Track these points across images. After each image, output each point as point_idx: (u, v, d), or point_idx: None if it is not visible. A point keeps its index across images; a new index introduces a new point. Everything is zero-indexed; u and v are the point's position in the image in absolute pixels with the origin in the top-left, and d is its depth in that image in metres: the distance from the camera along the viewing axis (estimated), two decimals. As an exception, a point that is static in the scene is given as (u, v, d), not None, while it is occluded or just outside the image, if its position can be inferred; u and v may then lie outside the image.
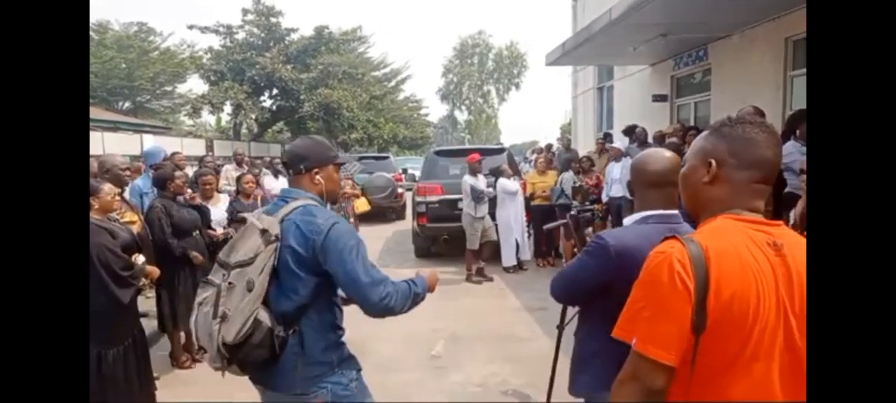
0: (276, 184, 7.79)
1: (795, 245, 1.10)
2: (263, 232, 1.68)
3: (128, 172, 4.26)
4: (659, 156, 1.69)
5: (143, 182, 5.44)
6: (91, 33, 23.37)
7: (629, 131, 7.98)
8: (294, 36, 22.12)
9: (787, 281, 1.07)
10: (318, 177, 1.83)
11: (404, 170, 15.01)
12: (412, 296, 1.76)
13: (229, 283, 1.64)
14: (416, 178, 9.76)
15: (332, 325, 1.80)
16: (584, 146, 12.19)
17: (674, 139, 6.74)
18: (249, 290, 1.63)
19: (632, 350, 1.08)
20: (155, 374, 3.92)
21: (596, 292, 1.60)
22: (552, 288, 1.80)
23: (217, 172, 7.52)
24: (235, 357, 1.65)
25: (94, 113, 15.02)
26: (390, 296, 1.68)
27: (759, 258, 1.06)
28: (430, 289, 1.86)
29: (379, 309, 1.68)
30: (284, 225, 1.72)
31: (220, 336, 1.62)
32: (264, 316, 1.66)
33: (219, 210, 4.82)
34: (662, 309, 1.05)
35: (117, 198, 3.54)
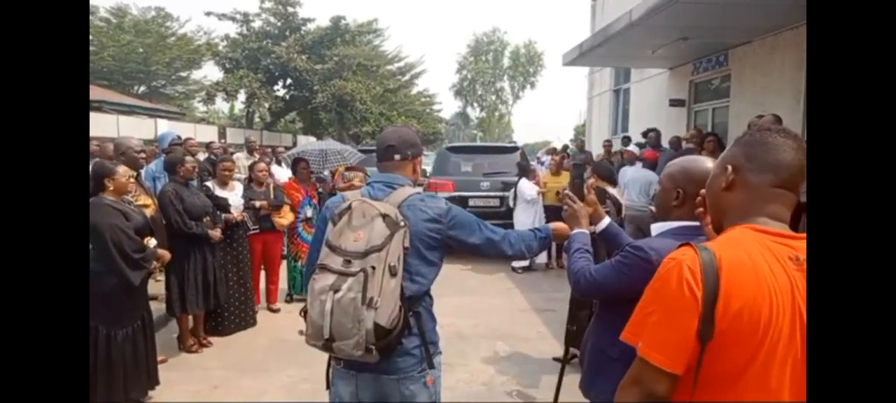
0: (278, 172, 7.81)
1: None
2: (385, 216, 1.69)
3: (143, 155, 4.28)
4: None
5: (156, 166, 5.47)
6: (109, 16, 23.60)
7: (647, 134, 7.94)
8: (310, 26, 22.15)
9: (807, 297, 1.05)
10: (418, 165, 1.98)
11: (415, 166, 14.95)
12: (538, 240, 2.05)
13: (372, 268, 1.63)
14: (427, 174, 9.76)
15: (432, 307, 1.91)
16: (598, 148, 12.10)
17: (690, 144, 6.67)
18: (393, 275, 1.66)
19: (636, 354, 1.09)
20: (163, 356, 3.96)
21: (628, 299, 1.55)
22: (579, 288, 1.75)
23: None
24: (382, 342, 1.66)
25: (110, 96, 15.14)
26: (517, 243, 1.98)
27: (776, 271, 1.04)
28: (558, 238, 2.09)
29: (513, 255, 2.01)
30: (405, 210, 1.76)
31: (373, 321, 1.62)
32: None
33: (235, 196, 4.84)
34: (669, 316, 1.04)
35: (132, 180, 3.55)
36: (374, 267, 1.63)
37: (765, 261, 1.04)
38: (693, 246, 1.07)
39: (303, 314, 1.78)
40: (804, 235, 1.12)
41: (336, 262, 1.67)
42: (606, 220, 2.06)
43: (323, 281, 1.67)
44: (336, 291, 1.64)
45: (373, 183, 1.88)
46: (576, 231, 1.95)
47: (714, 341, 1.01)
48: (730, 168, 1.16)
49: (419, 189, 1.91)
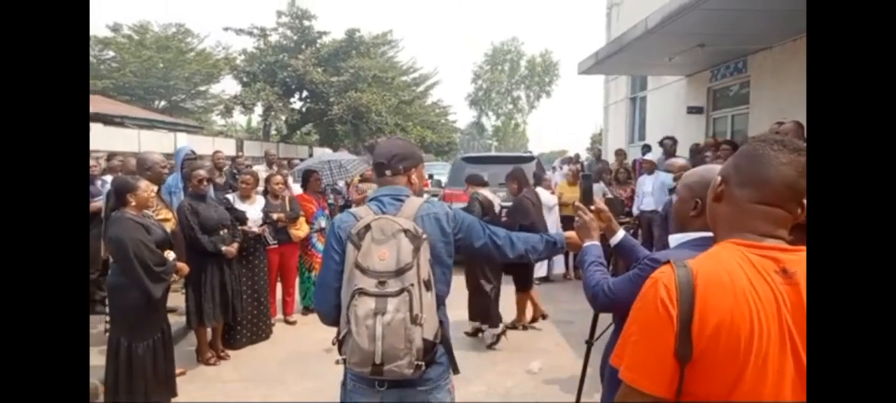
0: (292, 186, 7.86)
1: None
2: (406, 231, 1.69)
3: (166, 170, 4.35)
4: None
5: (172, 180, 5.54)
6: (131, 33, 24.17)
7: (663, 143, 7.87)
8: (326, 39, 22.41)
9: (797, 309, 0.99)
10: (413, 175, 1.94)
11: (430, 176, 14.99)
12: (545, 244, 2.04)
13: (412, 285, 1.64)
14: (443, 184, 9.75)
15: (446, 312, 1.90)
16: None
17: (707, 153, 6.58)
18: (428, 289, 1.68)
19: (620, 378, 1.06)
20: (181, 369, 3.99)
21: None
22: (597, 302, 1.74)
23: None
24: (428, 356, 1.67)
25: (132, 111, 15.46)
26: (519, 245, 1.98)
27: (758, 285, 1.00)
28: (572, 248, 2.06)
29: (516, 257, 1.98)
30: (421, 222, 1.76)
31: (422, 337, 1.63)
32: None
33: (254, 209, 4.89)
34: (646, 337, 1.02)
35: (153, 195, 3.61)
36: (413, 285, 1.63)
37: (745, 276, 1.00)
38: (672, 263, 1.05)
39: (337, 343, 1.72)
40: (794, 248, 1.07)
41: (370, 284, 1.65)
42: (621, 233, 2.03)
43: (365, 305, 1.63)
44: (382, 314, 1.62)
45: (381, 197, 1.86)
46: (587, 243, 1.92)
47: (694, 362, 0.98)
48: (719, 179, 1.15)
49: (424, 197, 1.92)
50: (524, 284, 5.25)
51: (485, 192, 5.08)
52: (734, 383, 0.98)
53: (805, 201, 1.08)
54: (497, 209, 5.14)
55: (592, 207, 1.99)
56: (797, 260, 1.04)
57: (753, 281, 1.00)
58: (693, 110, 9.61)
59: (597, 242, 1.93)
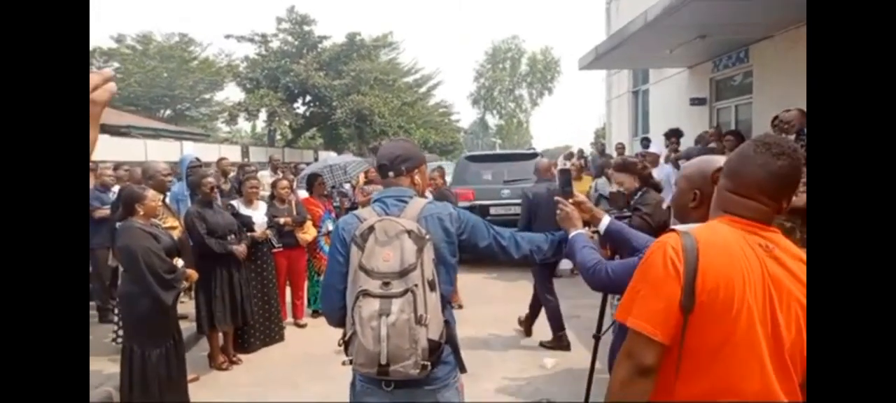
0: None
1: (786, 249, 1.21)
2: (410, 232, 1.70)
3: (170, 178, 4.40)
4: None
5: (179, 188, 5.60)
6: (135, 44, 24.34)
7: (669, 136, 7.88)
8: (327, 43, 22.49)
9: (776, 280, 1.16)
10: (416, 176, 1.95)
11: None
12: (550, 243, 1.99)
13: (415, 286, 1.65)
14: (448, 184, 9.80)
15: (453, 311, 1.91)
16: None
17: (712, 143, 6.58)
18: (433, 289, 1.68)
19: (628, 328, 1.17)
20: (194, 375, 4.03)
21: None
22: (595, 279, 1.79)
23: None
24: (434, 356, 1.68)
25: (137, 120, 15.57)
26: (524, 245, 1.95)
27: (748, 255, 1.16)
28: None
29: (521, 257, 1.95)
30: (425, 222, 1.77)
31: (427, 338, 1.64)
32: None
33: (259, 214, 4.94)
34: (654, 289, 1.16)
35: (159, 203, 3.66)
36: (417, 285, 1.64)
37: (738, 246, 1.17)
38: (677, 230, 1.21)
39: (343, 343, 1.74)
40: (771, 228, 1.23)
41: (374, 286, 1.66)
42: (607, 219, 2.06)
43: (369, 307, 1.64)
44: (387, 315, 1.63)
45: (384, 198, 1.87)
46: (574, 233, 1.95)
47: (695, 313, 1.13)
48: (719, 166, 1.36)
49: (427, 198, 1.92)
50: None
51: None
52: (727, 337, 1.13)
53: (789, 198, 1.23)
54: None
55: (571, 200, 2.01)
56: (774, 237, 1.23)
57: (744, 251, 1.17)
58: (696, 101, 9.58)
59: (582, 231, 1.96)
